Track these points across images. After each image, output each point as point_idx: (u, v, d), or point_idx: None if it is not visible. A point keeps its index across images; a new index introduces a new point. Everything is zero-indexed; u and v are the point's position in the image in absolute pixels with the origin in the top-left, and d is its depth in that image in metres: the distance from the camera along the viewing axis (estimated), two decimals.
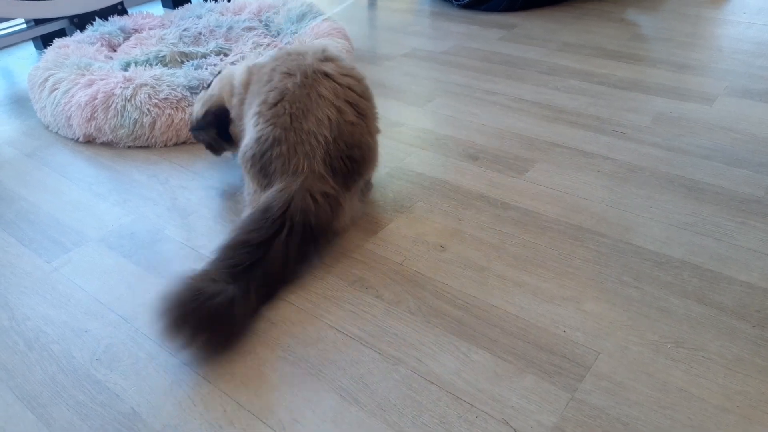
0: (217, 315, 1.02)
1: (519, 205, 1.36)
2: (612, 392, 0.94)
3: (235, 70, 1.43)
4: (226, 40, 2.15)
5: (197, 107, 1.47)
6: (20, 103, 2.12)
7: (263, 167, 1.21)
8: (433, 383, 0.97)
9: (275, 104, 1.21)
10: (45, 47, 2.28)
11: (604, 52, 2.14)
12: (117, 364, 1.05)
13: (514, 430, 0.89)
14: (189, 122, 1.56)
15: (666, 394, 0.94)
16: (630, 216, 1.31)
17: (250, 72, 1.35)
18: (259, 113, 1.23)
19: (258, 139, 1.21)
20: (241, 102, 1.35)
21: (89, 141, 1.78)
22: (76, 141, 1.80)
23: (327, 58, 1.27)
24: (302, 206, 1.16)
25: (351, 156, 1.22)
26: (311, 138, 1.18)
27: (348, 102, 1.24)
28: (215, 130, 1.42)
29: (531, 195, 1.39)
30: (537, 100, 1.82)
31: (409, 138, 1.68)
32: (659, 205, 1.34)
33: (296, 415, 0.94)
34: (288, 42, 2.14)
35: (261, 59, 1.38)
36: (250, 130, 1.24)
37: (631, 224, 1.29)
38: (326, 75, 1.23)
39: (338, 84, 1.24)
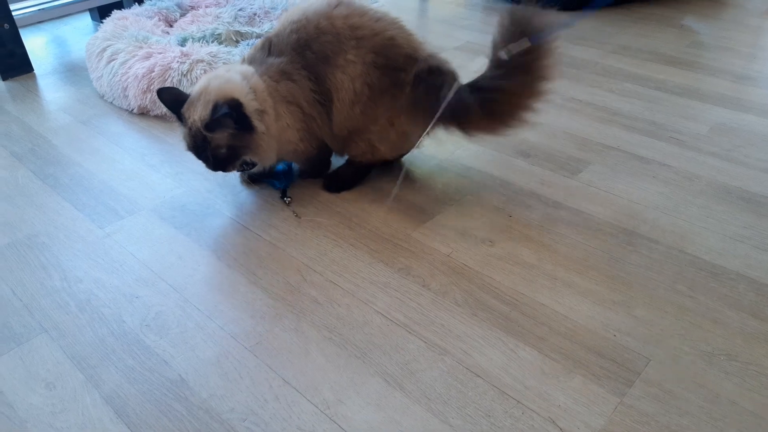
0: None
1: (571, 206, 1.34)
2: (662, 400, 0.92)
3: (232, 70, 1.30)
4: None
5: (198, 111, 1.23)
6: (75, 72, 2.16)
7: None
8: (479, 376, 0.96)
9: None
10: (102, 19, 2.32)
11: (662, 58, 2.09)
12: (166, 332, 1.07)
13: (561, 429, 0.88)
14: (185, 138, 1.28)
15: (717, 406, 0.91)
16: (685, 224, 1.28)
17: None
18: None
19: None
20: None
21: (143, 113, 1.81)
22: (131, 112, 1.83)
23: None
24: None
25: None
26: None
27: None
28: (232, 122, 1.22)
29: (583, 196, 1.37)
30: (591, 101, 1.79)
31: None
32: (716, 215, 1.31)
33: (340, 396, 0.94)
34: None
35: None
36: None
37: (686, 233, 1.26)
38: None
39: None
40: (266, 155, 1.30)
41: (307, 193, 1.43)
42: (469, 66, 1.36)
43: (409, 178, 1.46)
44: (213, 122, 1.21)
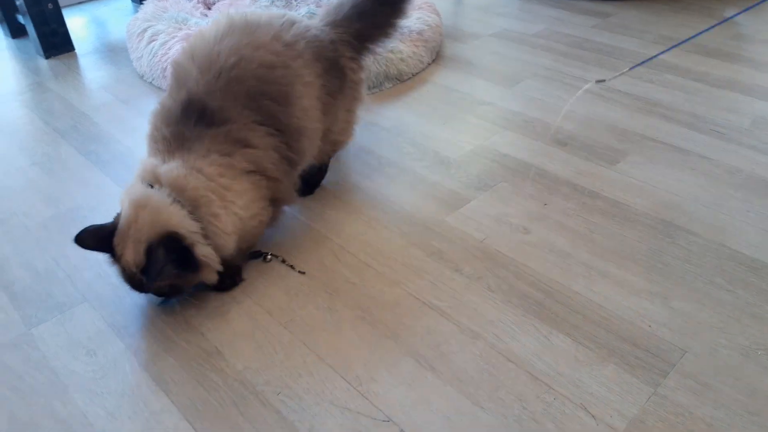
0: None
1: (608, 196, 1.33)
2: (697, 392, 0.91)
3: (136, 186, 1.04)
4: (317, 6, 2.16)
5: (131, 253, 0.99)
6: (115, 52, 2.20)
7: None
8: (511, 361, 0.97)
9: None
10: (141, 0, 2.35)
11: (703, 49, 2.05)
12: (203, 305, 1.09)
13: (593, 416, 0.88)
14: (120, 275, 1.03)
15: (754, 400, 0.90)
16: (725, 218, 1.26)
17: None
18: None
19: None
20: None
21: None
22: None
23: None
24: None
25: None
26: None
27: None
28: (173, 264, 0.99)
29: (621, 186, 1.35)
30: (630, 91, 1.76)
31: (495, 118, 1.65)
32: (757, 209, 1.28)
33: (373, 374, 0.95)
34: None
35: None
36: None
37: (726, 226, 1.24)
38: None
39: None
40: (212, 274, 1.05)
41: (341, 177, 1.43)
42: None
43: (443, 164, 1.46)
44: (150, 269, 0.97)
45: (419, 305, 1.08)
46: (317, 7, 2.16)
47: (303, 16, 2.01)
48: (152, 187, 1.02)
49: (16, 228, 1.31)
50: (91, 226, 1.03)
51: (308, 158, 1.23)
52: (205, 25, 1.94)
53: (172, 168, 1.02)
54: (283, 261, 1.18)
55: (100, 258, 1.20)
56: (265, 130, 1.09)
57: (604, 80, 1.19)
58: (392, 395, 0.92)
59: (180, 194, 1.01)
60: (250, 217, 1.08)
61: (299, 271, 1.16)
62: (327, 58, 1.21)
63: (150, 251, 0.97)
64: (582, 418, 0.88)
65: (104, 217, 1.29)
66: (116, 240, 1.01)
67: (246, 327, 1.04)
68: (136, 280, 1.01)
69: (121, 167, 1.49)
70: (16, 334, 1.06)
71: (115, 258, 1.02)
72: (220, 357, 0.99)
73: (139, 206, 0.99)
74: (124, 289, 1.12)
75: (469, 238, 1.23)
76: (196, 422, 0.89)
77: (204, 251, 1.01)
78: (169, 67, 1.13)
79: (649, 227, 1.23)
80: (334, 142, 1.33)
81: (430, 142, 1.55)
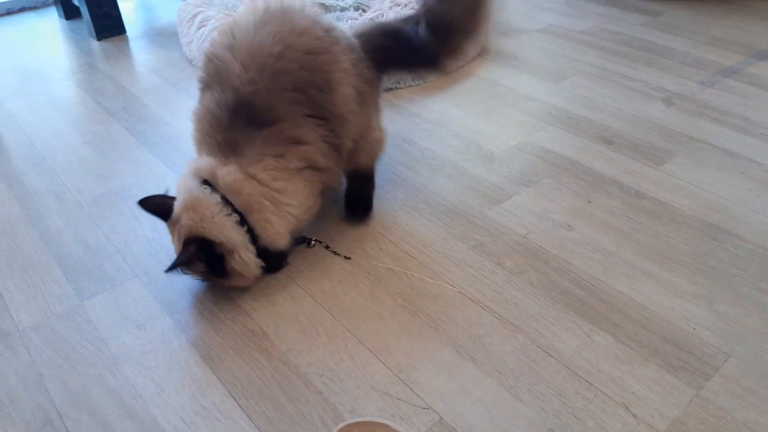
0: None
1: (654, 196, 1.31)
2: (740, 396, 0.90)
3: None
4: None
5: (175, 242, 1.07)
6: (165, 36, 2.24)
7: None
8: (551, 356, 0.97)
9: None
10: None
11: (757, 52, 2.00)
12: (250, 287, 1.11)
13: (634, 415, 0.88)
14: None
15: None
16: None
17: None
18: None
19: None
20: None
21: None
22: None
23: None
24: None
25: None
26: None
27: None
28: (202, 263, 1.04)
29: (667, 187, 1.34)
30: (679, 91, 1.73)
31: (540, 113, 1.64)
32: None
33: (413, 361, 0.97)
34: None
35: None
36: None
37: None
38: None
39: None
40: (244, 281, 1.09)
41: (384, 167, 1.44)
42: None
43: (486, 158, 1.46)
44: (179, 260, 1.01)
45: (460, 297, 1.08)
46: None
47: (350, 5, 2.03)
48: (207, 183, 1.04)
49: (69, 203, 1.36)
50: (156, 196, 1.09)
51: (348, 142, 1.18)
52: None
53: (230, 172, 1.04)
54: (327, 247, 1.20)
55: (150, 235, 1.24)
56: (314, 122, 1.08)
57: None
58: (432, 383, 0.93)
59: (234, 198, 1.04)
60: (304, 212, 1.11)
61: (345, 257, 1.18)
62: (354, 49, 1.17)
63: (185, 244, 1.02)
64: (623, 416, 0.88)
65: None
66: (169, 223, 1.07)
67: (290, 309, 1.06)
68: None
69: (170, 149, 1.53)
70: (69, 305, 1.10)
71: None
72: (265, 337, 1.01)
73: (188, 207, 1.03)
74: None
75: (511, 232, 1.23)
76: (240, 399, 0.91)
77: (244, 258, 1.04)
78: (204, 57, 1.12)
79: (696, 229, 1.22)
80: (372, 144, 1.25)
81: (473, 135, 1.55)
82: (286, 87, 1.05)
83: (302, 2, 1.15)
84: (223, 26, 1.12)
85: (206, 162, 1.06)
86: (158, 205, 1.08)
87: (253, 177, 1.04)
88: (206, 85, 1.11)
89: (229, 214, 1.03)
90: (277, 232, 1.07)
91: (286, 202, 1.07)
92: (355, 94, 1.14)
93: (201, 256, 1.02)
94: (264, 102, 1.04)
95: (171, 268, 0.99)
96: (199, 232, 1.01)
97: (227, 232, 1.02)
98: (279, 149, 1.06)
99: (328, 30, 1.12)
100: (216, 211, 1.02)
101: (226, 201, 1.03)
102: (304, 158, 1.08)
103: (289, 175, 1.07)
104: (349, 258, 1.18)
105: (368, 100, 1.20)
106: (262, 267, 1.09)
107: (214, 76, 1.09)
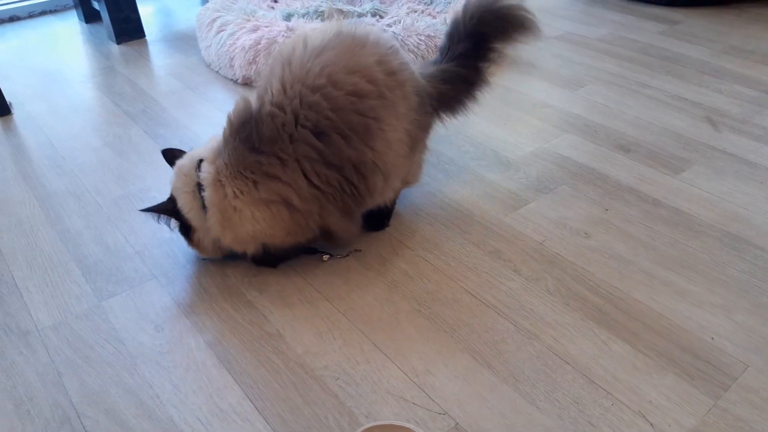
0: None
1: (671, 204, 1.30)
2: (759, 407, 0.89)
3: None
4: (381, 2, 2.19)
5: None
6: (183, 40, 2.26)
7: None
8: (568, 364, 0.96)
9: None
10: None
11: None
12: (265, 289, 1.12)
13: (651, 424, 0.87)
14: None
15: None
16: None
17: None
18: None
19: None
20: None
21: (247, 83, 1.88)
22: (235, 82, 1.90)
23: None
24: None
25: None
26: None
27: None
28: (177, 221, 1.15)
29: (685, 196, 1.33)
30: (697, 100, 1.72)
31: (556, 120, 1.64)
32: None
33: (429, 366, 0.97)
34: (440, 11, 2.14)
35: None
36: None
37: None
38: None
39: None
40: (208, 255, 1.18)
41: None
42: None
43: (503, 165, 1.46)
44: (158, 210, 1.14)
45: (476, 303, 1.08)
46: (381, 3, 2.18)
47: (367, 11, 2.04)
48: (200, 165, 1.10)
49: (88, 204, 1.37)
50: (176, 150, 1.23)
51: (383, 194, 1.16)
52: (272, 17, 1.98)
53: (209, 170, 1.08)
54: (334, 256, 1.21)
55: (168, 237, 1.25)
56: (315, 167, 1.05)
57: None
58: (448, 389, 0.93)
59: (204, 190, 1.09)
60: (267, 236, 1.10)
61: (355, 249, 1.21)
62: (420, 94, 1.14)
63: (169, 199, 1.15)
64: (640, 425, 0.87)
65: None
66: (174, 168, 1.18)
67: (306, 312, 1.07)
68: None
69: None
70: (88, 305, 1.11)
71: None
72: (281, 340, 1.02)
73: (179, 173, 1.14)
74: (191, 268, 1.17)
75: (527, 239, 1.23)
76: (257, 401, 0.92)
77: (203, 239, 1.14)
78: (270, 58, 1.15)
79: (714, 239, 1.21)
80: (405, 182, 1.24)
81: (489, 142, 1.55)
82: (305, 125, 1.02)
83: (380, 34, 1.12)
84: (298, 35, 1.11)
85: (208, 149, 1.12)
86: (174, 158, 1.18)
87: (221, 185, 1.06)
88: (260, 82, 1.12)
89: (198, 199, 1.10)
90: (220, 238, 1.11)
91: (237, 221, 1.07)
92: (406, 140, 1.11)
93: (176, 215, 1.13)
94: (270, 133, 1.03)
95: (146, 210, 1.13)
96: (176, 197, 1.13)
97: (192, 212, 1.12)
98: (255, 177, 1.04)
99: (394, 73, 1.08)
100: (189, 190, 1.11)
101: (200, 188, 1.10)
102: (277, 193, 1.05)
103: (252, 201, 1.06)
104: (359, 250, 1.20)
105: (418, 146, 1.19)
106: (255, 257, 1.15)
107: (264, 81, 1.09)
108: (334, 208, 1.09)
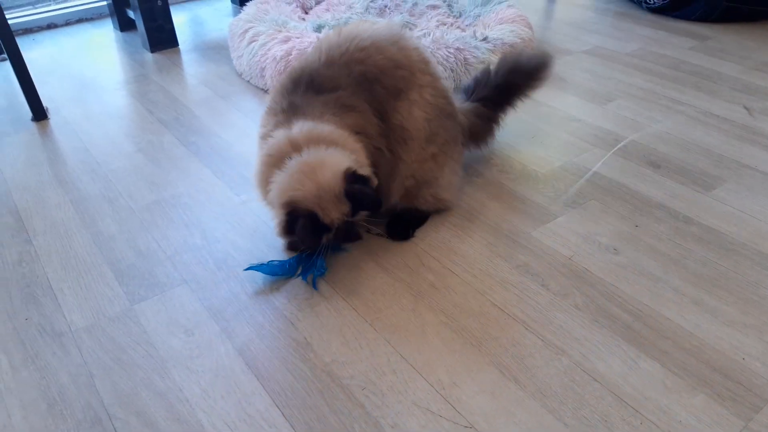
0: None
1: (703, 222, 1.29)
2: None
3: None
4: (410, 15, 2.20)
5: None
6: (215, 50, 2.30)
7: None
8: (596, 381, 0.96)
9: None
10: (241, 2, 2.46)
11: None
12: (294, 297, 1.13)
13: None
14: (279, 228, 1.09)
15: None
16: None
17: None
18: None
19: None
20: None
21: None
22: (266, 91, 1.93)
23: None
24: None
25: None
26: None
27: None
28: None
29: (717, 214, 1.32)
30: (729, 116, 1.71)
31: (586, 135, 1.64)
32: None
33: (455, 379, 0.97)
34: (469, 24, 2.15)
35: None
36: None
37: None
38: None
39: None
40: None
41: None
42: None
43: (531, 178, 1.46)
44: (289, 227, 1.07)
45: (504, 316, 1.08)
46: (410, 16, 2.20)
47: (398, 24, 2.06)
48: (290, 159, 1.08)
49: (122, 209, 1.40)
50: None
51: (406, 173, 1.22)
52: (303, 29, 2.01)
53: (300, 127, 1.09)
54: (368, 231, 1.29)
55: (199, 243, 1.27)
56: (369, 108, 1.16)
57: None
58: (474, 402, 0.93)
59: (319, 140, 1.08)
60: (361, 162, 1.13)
61: (377, 233, 1.27)
62: (446, 96, 1.26)
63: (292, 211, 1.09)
64: None
65: (203, 206, 1.36)
66: None
67: (334, 321, 1.08)
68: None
69: (219, 160, 1.57)
70: (120, 309, 1.13)
71: None
72: (309, 348, 1.03)
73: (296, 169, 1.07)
74: (221, 275, 1.19)
75: (556, 254, 1.22)
76: (284, 408, 0.93)
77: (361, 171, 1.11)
78: (288, 69, 1.23)
79: (746, 258, 1.19)
80: (436, 197, 1.28)
81: (517, 155, 1.55)
82: (356, 71, 1.15)
83: (418, 42, 1.29)
84: (340, 30, 1.22)
85: (270, 144, 1.12)
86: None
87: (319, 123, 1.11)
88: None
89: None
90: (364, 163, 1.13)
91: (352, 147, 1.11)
92: (427, 127, 1.20)
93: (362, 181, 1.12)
94: (327, 73, 1.14)
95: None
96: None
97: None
98: (337, 110, 1.13)
99: (427, 62, 1.23)
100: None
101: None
102: (357, 124, 1.14)
103: (348, 133, 1.12)
104: (381, 234, 1.27)
105: (445, 149, 1.25)
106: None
107: (309, 53, 1.21)
108: (390, 157, 1.19)
